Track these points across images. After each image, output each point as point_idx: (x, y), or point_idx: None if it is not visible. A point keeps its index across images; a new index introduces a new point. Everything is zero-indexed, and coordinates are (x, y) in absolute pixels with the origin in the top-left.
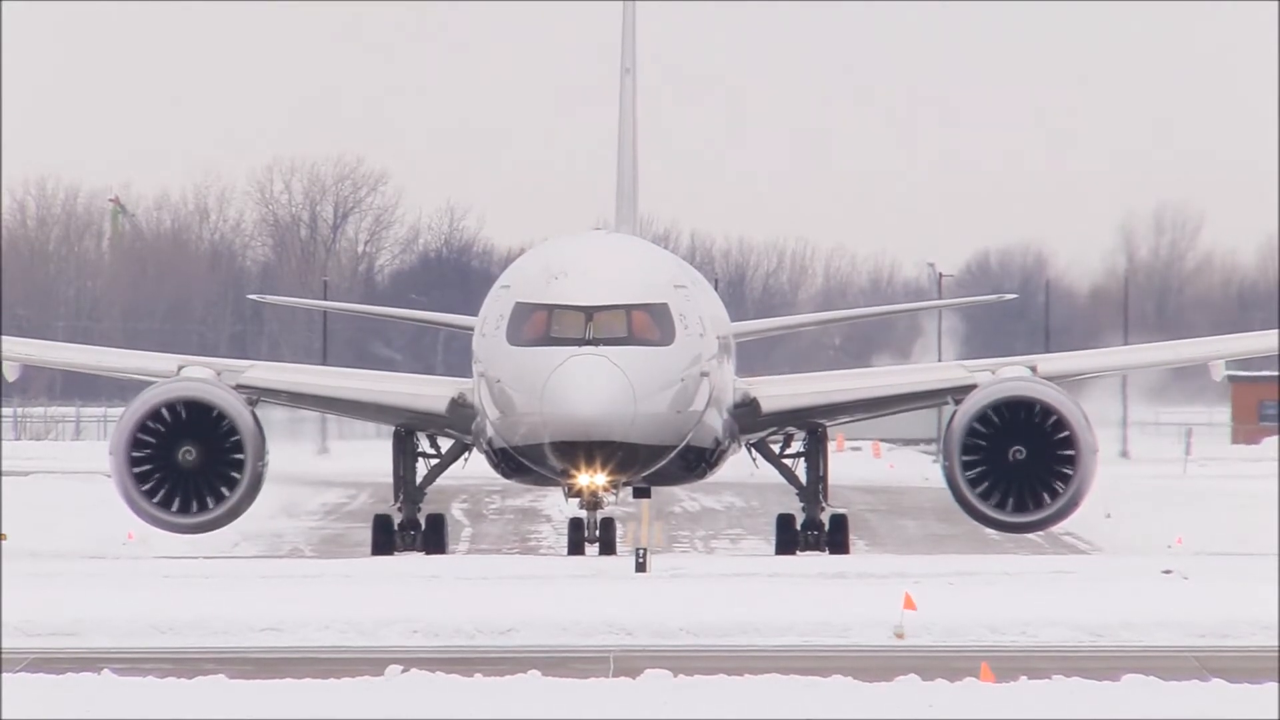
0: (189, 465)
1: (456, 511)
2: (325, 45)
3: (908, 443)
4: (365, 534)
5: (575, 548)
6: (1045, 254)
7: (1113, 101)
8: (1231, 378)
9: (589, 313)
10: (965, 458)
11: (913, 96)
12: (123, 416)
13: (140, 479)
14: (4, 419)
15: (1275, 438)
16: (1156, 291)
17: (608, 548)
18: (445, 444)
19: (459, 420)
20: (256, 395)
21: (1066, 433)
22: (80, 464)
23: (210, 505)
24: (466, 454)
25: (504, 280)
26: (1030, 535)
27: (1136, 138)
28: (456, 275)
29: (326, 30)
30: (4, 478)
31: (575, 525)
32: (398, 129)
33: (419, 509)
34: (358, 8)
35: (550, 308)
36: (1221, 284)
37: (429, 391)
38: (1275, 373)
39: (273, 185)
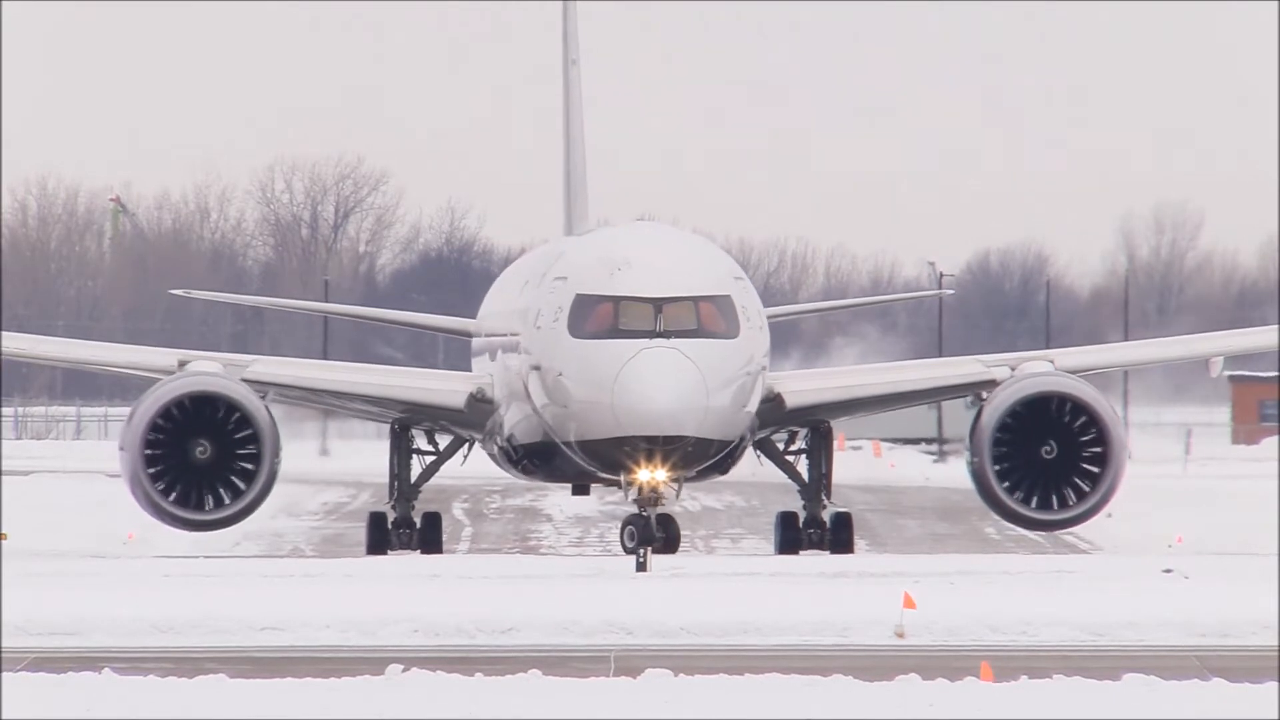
0: (202, 461)
1: (457, 511)
2: (325, 45)
3: (908, 442)
4: (363, 533)
5: (644, 542)
6: (1045, 254)
7: (1113, 102)
8: (1232, 378)
9: (658, 304)
10: (996, 453)
11: (913, 96)
12: (135, 411)
13: (154, 476)
14: (4, 418)
15: (1275, 438)
16: (1157, 291)
17: (669, 545)
18: (441, 441)
19: (476, 416)
20: (264, 390)
21: (1097, 428)
22: (80, 464)
23: (226, 502)
24: (467, 451)
25: (557, 271)
26: (1033, 534)
27: (1136, 138)
28: (457, 275)
29: (327, 30)
30: (4, 478)
31: (643, 524)
32: (398, 129)
33: (413, 507)
34: (358, 8)
35: (617, 299)
36: (1221, 284)
37: (446, 386)
38: (1275, 373)
39: (274, 185)
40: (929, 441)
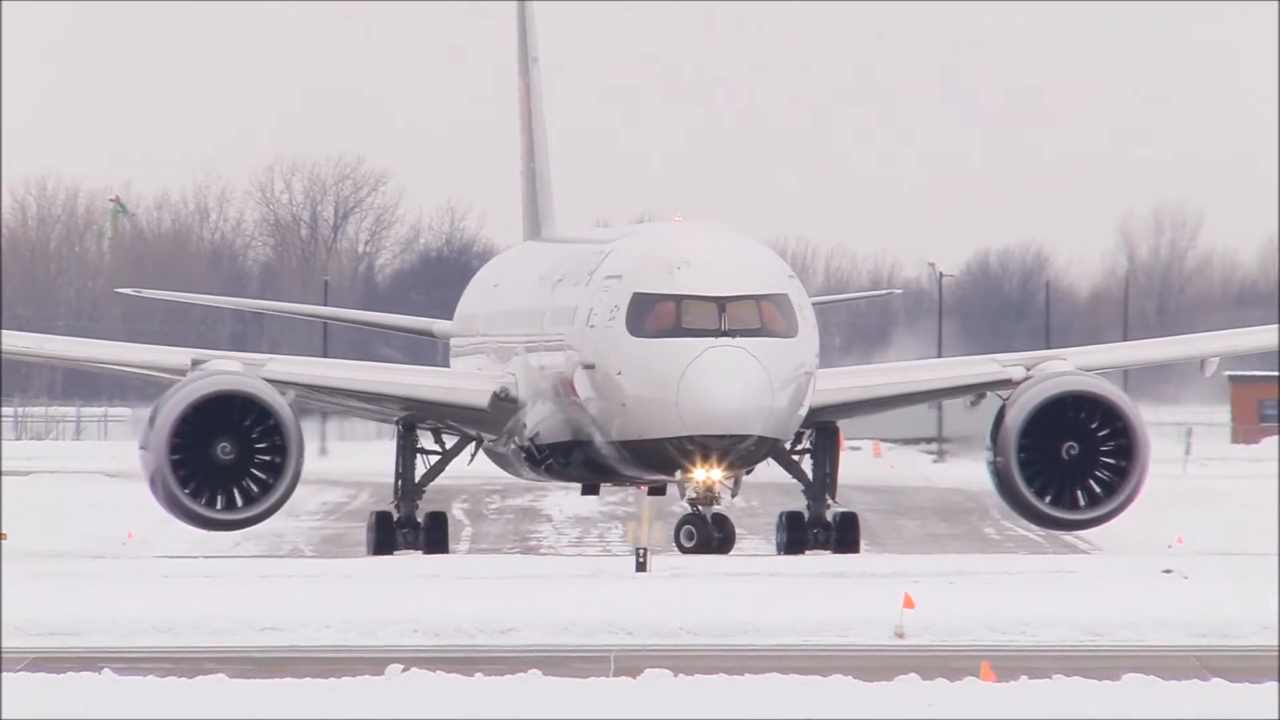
0: (226, 460)
1: (457, 511)
2: (325, 45)
3: (908, 442)
4: (364, 533)
5: (703, 545)
6: (1045, 254)
7: (1113, 101)
8: (1232, 378)
9: (721, 303)
10: (1021, 453)
11: (913, 96)
12: (160, 410)
13: (178, 475)
14: (4, 419)
15: (1275, 438)
16: (1156, 291)
17: (725, 544)
18: (447, 440)
19: (498, 416)
20: (284, 389)
21: (1123, 428)
22: (80, 464)
23: (251, 500)
24: (474, 450)
25: (608, 270)
26: (1031, 536)
27: (1136, 138)
28: (457, 275)
29: (326, 30)
30: (4, 478)
31: (701, 524)
32: (398, 129)
33: (416, 506)
34: (358, 8)
35: (679, 298)
36: (1221, 284)
37: (469, 386)
38: (1275, 372)
39: (273, 185)
40: (929, 441)
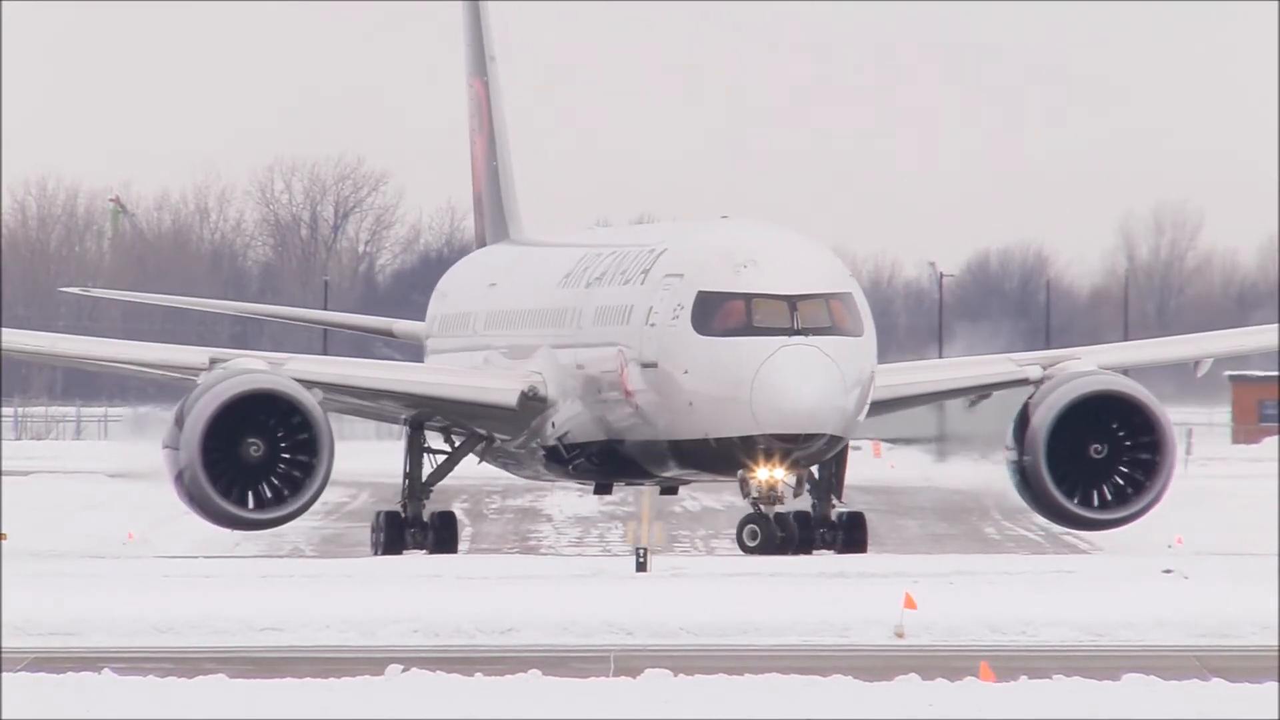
0: (255, 460)
1: (456, 511)
2: (325, 45)
3: (908, 442)
4: (364, 533)
5: (768, 545)
6: (1045, 254)
7: (1113, 102)
8: (1232, 378)
9: (792, 301)
10: (1049, 453)
11: (913, 96)
12: (190, 409)
13: (210, 475)
14: (4, 419)
15: (1275, 438)
16: (1156, 291)
17: (787, 544)
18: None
19: (524, 415)
20: (310, 388)
21: (1151, 428)
22: (80, 464)
23: (279, 501)
24: (483, 450)
25: (666, 268)
26: (1031, 535)
27: (1136, 138)
28: None
29: (326, 30)
30: (4, 478)
31: (764, 522)
32: (398, 129)
33: (423, 506)
34: (358, 7)
35: (749, 296)
36: (1221, 284)
37: (497, 385)
38: (1275, 372)
39: (273, 185)
40: (929, 441)
